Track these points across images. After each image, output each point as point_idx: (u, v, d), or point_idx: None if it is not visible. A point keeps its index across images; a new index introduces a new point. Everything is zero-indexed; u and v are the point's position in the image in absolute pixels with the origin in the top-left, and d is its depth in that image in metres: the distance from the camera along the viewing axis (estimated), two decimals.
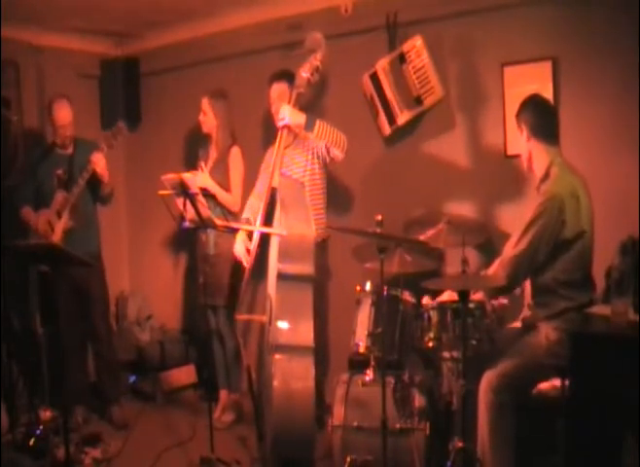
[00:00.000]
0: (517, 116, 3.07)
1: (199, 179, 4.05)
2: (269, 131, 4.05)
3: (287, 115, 3.57)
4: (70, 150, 4.25)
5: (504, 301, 3.16)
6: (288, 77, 3.91)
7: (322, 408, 3.76)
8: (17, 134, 4.70)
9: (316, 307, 3.30)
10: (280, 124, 3.60)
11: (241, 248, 3.90)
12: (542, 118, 3.03)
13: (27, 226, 4.19)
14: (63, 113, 4.15)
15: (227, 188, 4.16)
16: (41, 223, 4.12)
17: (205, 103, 4.19)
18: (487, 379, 2.88)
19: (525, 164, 3.10)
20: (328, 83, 4.26)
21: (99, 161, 4.03)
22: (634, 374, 2.45)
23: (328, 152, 3.74)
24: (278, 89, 3.93)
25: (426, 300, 3.17)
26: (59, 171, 4.17)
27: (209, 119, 4.21)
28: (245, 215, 4.04)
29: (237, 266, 4.01)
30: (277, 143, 3.63)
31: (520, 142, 3.09)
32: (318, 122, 3.60)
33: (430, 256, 3.42)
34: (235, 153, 4.21)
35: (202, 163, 4.18)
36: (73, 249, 3.47)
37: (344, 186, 4.30)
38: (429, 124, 4.01)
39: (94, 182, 4.12)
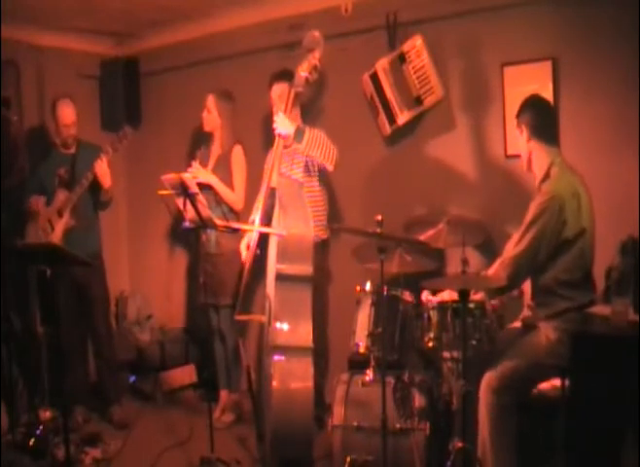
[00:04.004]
0: (518, 116, 3.08)
1: (203, 174, 4.05)
2: (270, 131, 4.04)
3: (278, 124, 3.59)
4: (72, 150, 4.26)
5: (501, 299, 3.16)
6: (288, 77, 3.90)
7: (322, 408, 3.76)
8: (18, 134, 4.70)
9: (316, 308, 3.31)
10: (276, 132, 3.64)
11: (245, 245, 3.91)
12: (542, 118, 3.03)
13: (31, 217, 4.19)
14: (67, 112, 4.17)
15: (229, 187, 4.16)
16: (42, 220, 4.13)
17: (211, 101, 4.18)
18: (488, 380, 2.88)
19: (525, 165, 3.10)
20: (328, 83, 4.26)
21: (101, 168, 4.05)
22: (634, 374, 2.45)
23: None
24: (279, 89, 3.93)
25: (425, 295, 3.16)
26: (61, 171, 4.18)
27: (213, 117, 4.20)
28: (253, 216, 4.03)
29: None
30: (275, 147, 3.64)
31: (520, 142, 3.09)
32: (308, 134, 3.61)
33: (430, 256, 3.42)
34: (238, 152, 4.21)
35: (197, 161, 4.16)
36: (73, 249, 3.48)
37: (344, 186, 4.30)
38: (429, 124, 4.01)
39: (95, 187, 4.14)
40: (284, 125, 3.61)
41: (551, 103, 3.24)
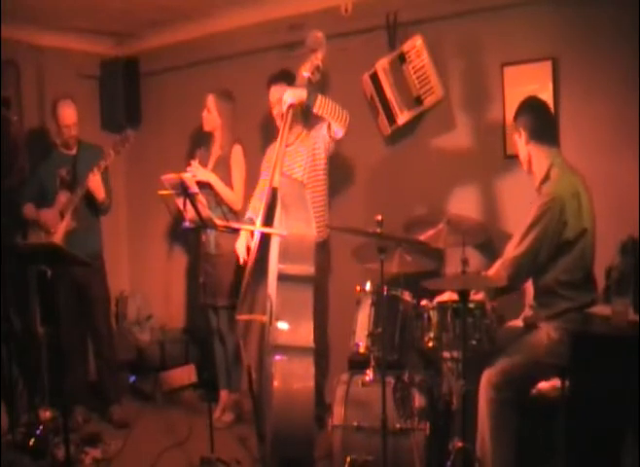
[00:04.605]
0: (515, 119, 3.08)
1: (202, 173, 4.05)
2: (269, 131, 4.05)
3: (288, 95, 3.55)
4: (74, 151, 4.26)
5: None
6: (286, 78, 3.90)
7: (322, 408, 3.76)
8: (18, 134, 4.70)
9: (317, 308, 3.30)
10: (284, 106, 3.59)
11: (242, 245, 3.90)
12: (540, 120, 3.03)
13: (30, 223, 4.20)
14: (68, 113, 4.17)
15: (228, 186, 4.15)
16: (45, 219, 4.13)
17: (211, 101, 4.18)
18: (487, 376, 2.89)
19: (525, 167, 3.10)
20: (328, 83, 4.26)
21: (94, 182, 4.07)
22: (634, 374, 2.45)
23: (329, 130, 3.72)
24: (277, 91, 3.92)
25: (425, 302, 3.17)
26: (63, 171, 4.19)
27: (213, 117, 4.20)
28: (249, 215, 4.03)
29: (242, 265, 4.00)
30: (278, 145, 3.62)
31: (519, 145, 3.09)
32: (320, 96, 3.59)
33: (430, 256, 3.42)
34: (237, 151, 4.21)
35: (197, 160, 4.16)
36: (75, 249, 3.49)
37: (344, 186, 4.30)
38: (429, 124, 4.01)
39: (91, 195, 4.16)
40: (294, 92, 3.56)
41: (547, 104, 3.24)
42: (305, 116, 3.98)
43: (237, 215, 4.17)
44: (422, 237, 3.30)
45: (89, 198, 4.17)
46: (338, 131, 3.70)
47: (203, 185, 3.90)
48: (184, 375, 4.81)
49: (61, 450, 3.49)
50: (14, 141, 4.64)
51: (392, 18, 3.95)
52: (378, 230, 2.99)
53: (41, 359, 4.41)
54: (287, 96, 3.57)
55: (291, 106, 3.58)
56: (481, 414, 2.89)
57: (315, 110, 3.61)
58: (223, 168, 4.16)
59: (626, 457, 2.50)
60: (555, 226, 2.86)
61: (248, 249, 3.79)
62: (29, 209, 4.21)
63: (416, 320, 3.11)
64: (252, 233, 3.82)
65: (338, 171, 4.11)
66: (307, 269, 3.16)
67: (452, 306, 2.99)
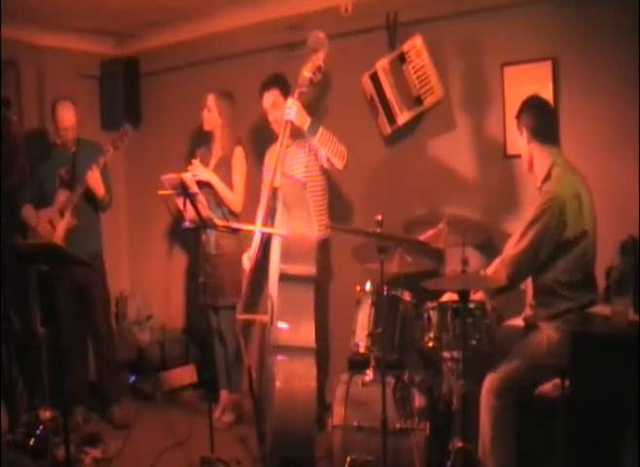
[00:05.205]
0: (518, 117, 3.07)
1: (202, 172, 4.05)
2: (269, 132, 4.05)
3: (293, 111, 3.55)
4: (73, 149, 4.26)
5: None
6: (279, 83, 3.90)
7: (323, 408, 3.76)
8: (17, 134, 4.70)
9: (318, 307, 3.30)
10: (285, 117, 3.59)
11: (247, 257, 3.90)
12: (542, 119, 3.03)
13: (27, 224, 4.20)
14: (67, 115, 4.17)
15: (229, 188, 4.16)
16: (42, 222, 4.13)
17: (211, 100, 4.18)
18: (489, 382, 2.88)
19: (526, 166, 3.10)
20: (329, 83, 4.26)
21: (92, 179, 4.07)
22: (634, 374, 2.45)
23: (327, 159, 3.74)
24: (271, 97, 3.92)
25: (429, 303, 3.16)
26: (62, 170, 4.18)
27: (213, 116, 4.20)
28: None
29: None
30: (278, 146, 3.62)
31: (520, 143, 3.09)
32: (322, 129, 3.61)
33: (430, 256, 3.42)
34: (238, 153, 4.21)
35: (198, 159, 4.16)
36: (75, 249, 3.49)
37: (345, 186, 4.30)
38: (429, 124, 4.01)
39: (91, 193, 4.15)
40: (299, 114, 3.56)
41: (550, 104, 3.24)
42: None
43: (238, 217, 4.16)
44: (422, 237, 3.30)
45: (89, 196, 4.18)
46: (337, 166, 3.73)
47: (204, 185, 3.90)
48: (184, 375, 4.80)
49: (61, 450, 3.49)
50: (14, 141, 4.63)
51: (392, 18, 3.95)
52: (378, 230, 2.99)
53: (41, 359, 4.41)
54: (291, 112, 3.55)
55: (289, 121, 3.57)
56: (483, 419, 2.89)
57: (313, 141, 3.62)
58: (224, 169, 4.16)
59: (626, 457, 2.50)
60: (555, 225, 2.86)
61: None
62: (28, 211, 4.21)
63: (416, 320, 3.12)
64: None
65: (339, 171, 4.10)
66: (309, 269, 3.16)
67: (452, 306, 2.99)
